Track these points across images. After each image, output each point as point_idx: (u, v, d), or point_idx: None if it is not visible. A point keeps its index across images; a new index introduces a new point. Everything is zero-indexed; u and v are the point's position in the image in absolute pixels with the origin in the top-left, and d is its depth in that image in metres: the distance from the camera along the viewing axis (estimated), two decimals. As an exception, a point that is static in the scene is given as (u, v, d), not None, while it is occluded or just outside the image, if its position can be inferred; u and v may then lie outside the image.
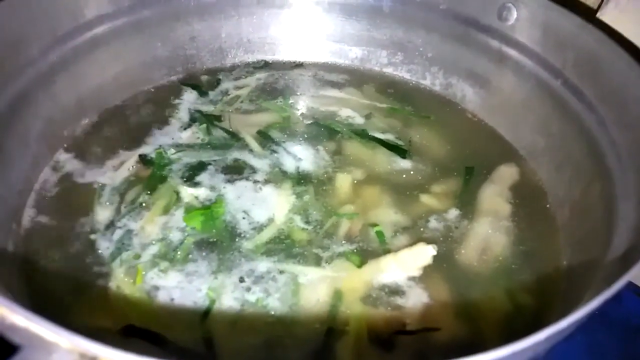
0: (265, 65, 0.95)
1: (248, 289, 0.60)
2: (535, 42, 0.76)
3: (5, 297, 0.34)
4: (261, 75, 0.92)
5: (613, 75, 0.64)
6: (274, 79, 0.92)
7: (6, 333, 0.33)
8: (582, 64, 0.69)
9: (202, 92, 0.88)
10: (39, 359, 0.33)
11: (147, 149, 0.76)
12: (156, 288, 0.60)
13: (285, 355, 0.56)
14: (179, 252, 0.63)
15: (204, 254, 0.64)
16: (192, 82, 0.89)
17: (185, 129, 0.80)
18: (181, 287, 0.60)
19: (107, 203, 0.69)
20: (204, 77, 0.91)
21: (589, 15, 0.72)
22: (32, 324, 0.31)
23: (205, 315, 0.58)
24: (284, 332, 0.57)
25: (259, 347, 0.56)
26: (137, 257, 0.63)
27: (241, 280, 0.61)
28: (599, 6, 0.75)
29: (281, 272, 0.62)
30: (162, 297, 0.59)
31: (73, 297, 0.59)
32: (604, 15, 0.76)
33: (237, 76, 0.92)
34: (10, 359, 0.33)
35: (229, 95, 0.88)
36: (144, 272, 0.61)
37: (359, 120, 0.85)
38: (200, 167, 0.74)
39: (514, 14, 0.77)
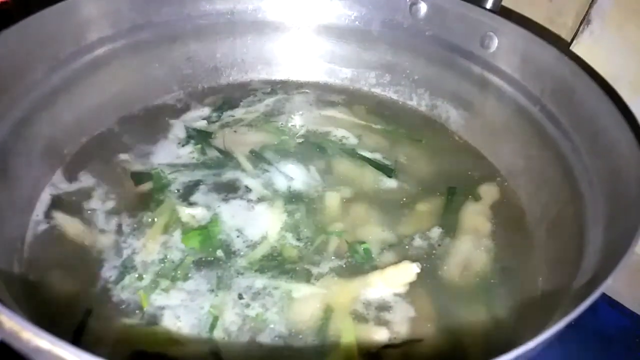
0: (266, 86, 0.97)
1: (247, 305, 0.63)
2: (514, 69, 0.79)
3: (26, 319, 0.37)
4: (269, 101, 0.94)
5: (585, 106, 0.67)
6: (276, 99, 0.95)
7: (30, 355, 0.36)
8: (558, 93, 0.73)
9: (222, 108, 0.91)
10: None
11: (144, 168, 0.78)
12: (161, 308, 0.62)
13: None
14: (179, 272, 0.65)
15: (202, 272, 0.66)
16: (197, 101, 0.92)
17: (183, 145, 0.83)
18: (185, 305, 0.62)
19: (107, 223, 0.70)
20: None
21: (563, 47, 0.76)
22: (56, 347, 0.34)
23: (210, 331, 0.60)
24: (284, 345, 0.60)
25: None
26: (140, 278, 0.64)
27: (240, 297, 0.63)
28: (573, 39, 0.79)
29: (276, 287, 0.65)
30: (168, 316, 0.61)
31: (79, 321, 0.60)
32: (579, 44, 0.80)
33: (239, 100, 0.94)
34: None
35: (233, 117, 0.90)
36: (147, 295, 0.62)
37: (353, 140, 0.87)
38: (196, 186, 0.76)
39: (495, 43, 0.80)
